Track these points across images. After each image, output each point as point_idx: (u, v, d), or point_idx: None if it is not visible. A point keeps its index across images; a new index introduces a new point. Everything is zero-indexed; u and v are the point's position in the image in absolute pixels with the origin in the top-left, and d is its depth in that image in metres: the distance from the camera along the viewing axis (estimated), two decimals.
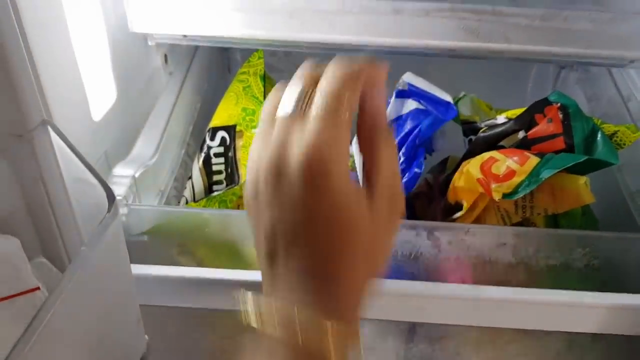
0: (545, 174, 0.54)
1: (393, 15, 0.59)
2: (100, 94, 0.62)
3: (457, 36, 0.59)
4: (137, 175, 0.59)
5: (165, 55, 0.76)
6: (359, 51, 0.64)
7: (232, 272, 0.55)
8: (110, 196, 0.36)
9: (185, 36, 0.65)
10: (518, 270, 0.58)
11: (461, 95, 0.74)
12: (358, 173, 0.72)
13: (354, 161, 0.76)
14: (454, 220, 0.65)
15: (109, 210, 0.36)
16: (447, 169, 0.77)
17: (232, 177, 0.73)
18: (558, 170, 0.54)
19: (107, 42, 0.62)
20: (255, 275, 0.55)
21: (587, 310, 0.55)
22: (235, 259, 0.59)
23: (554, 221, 0.64)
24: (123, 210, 0.56)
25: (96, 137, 0.62)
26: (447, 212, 0.66)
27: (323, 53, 0.91)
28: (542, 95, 0.93)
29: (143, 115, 0.69)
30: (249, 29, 0.61)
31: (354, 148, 0.77)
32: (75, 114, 0.57)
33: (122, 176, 0.58)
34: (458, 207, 0.64)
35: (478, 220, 0.64)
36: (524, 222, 0.63)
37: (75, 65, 0.56)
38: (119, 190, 0.57)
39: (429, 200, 0.75)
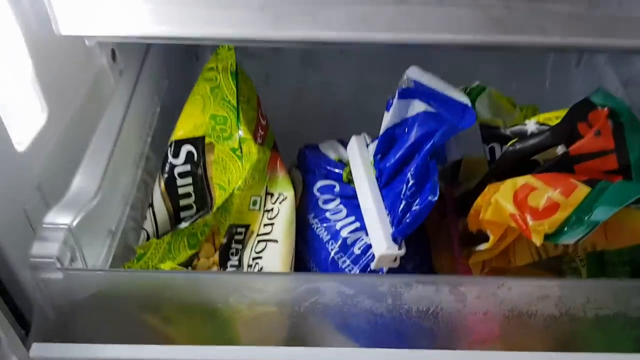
0: (601, 215, 0.42)
1: (396, 5, 0.45)
2: (24, 117, 0.49)
3: (480, 28, 0.46)
4: (74, 223, 0.46)
5: (113, 52, 0.62)
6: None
7: (201, 350, 0.43)
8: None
9: (133, 37, 0.51)
10: (561, 323, 0.47)
11: (474, 85, 0.60)
12: (355, 184, 0.61)
13: (349, 171, 0.64)
14: (474, 251, 0.53)
15: None
16: (460, 176, 0.65)
17: (203, 200, 0.60)
18: (617, 209, 0.42)
19: (27, 50, 0.48)
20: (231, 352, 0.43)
21: None
22: (209, 319, 0.47)
23: (597, 252, 0.52)
24: (57, 275, 0.44)
25: (23, 171, 0.49)
26: (467, 240, 0.55)
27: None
28: (565, 76, 0.82)
29: (88, 132, 0.56)
30: (210, 27, 0.47)
31: (349, 152, 0.65)
32: None
33: (55, 227, 0.45)
34: (481, 236, 0.52)
35: (505, 252, 0.52)
36: (562, 255, 0.52)
37: None
38: (50, 249, 0.44)
39: (440, 213, 0.63)
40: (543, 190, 0.45)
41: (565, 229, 0.43)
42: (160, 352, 0.43)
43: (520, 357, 0.45)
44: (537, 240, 0.43)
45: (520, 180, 0.47)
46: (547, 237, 0.44)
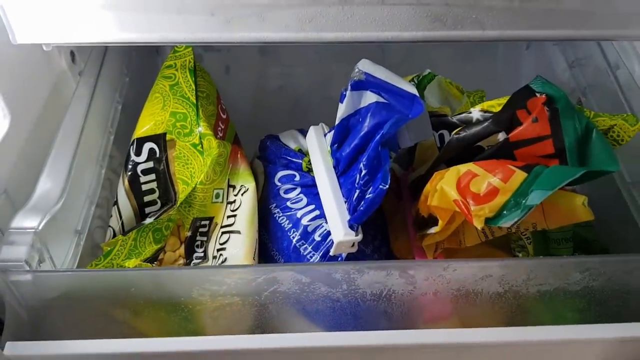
0: (536, 199, 0.45)
1: (340, 6, 0.47)
2: None
3: (421, 25, 0.48)
4: (40, 227, 0.48)
5: (72, 53, 0.63)
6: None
7: (169, 341, 0.45)
8: None
9: (88, 43, 0.52)
10: (506, 299, 0.50)
11: (426, 72, 0.63)
12: (314, 173, 0.63)
13: (309, 161, 0.66)
14: (427, 234, 0.56)
15: None
16: (415, 160, 0.68)
17: (167, 195, 0.62)
18: (551, 192, 0.45)
19: None
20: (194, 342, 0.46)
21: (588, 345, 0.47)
22: (174, 312, 0.49)
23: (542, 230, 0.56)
24: (26, 277, 0.46)
25: None
26: (420, 224, 0.57)
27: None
28: (516, 59, 0.85)
29: (51, 134, 0.57)
30: (162, 32, 0.49)
31: (308, 142, 0.67)
32: None
33: (22, 231, 0.47)
34: (432, 220, 0.55)
35: (455, 234, 0.55)
36: (509, 235, 0.55)
37: None
38: (18, 253, 0.46)
39: (397, 196, 0.66)
40: (484, 177, 0.48)
41: (505, 212, 0.47)
42: (129, 346, 0.45)
43: (469, 333, 0.48)
44: (478, 224, 0.46)
45: (463, 168, 0.50)
46: (487, 220, 0.47)
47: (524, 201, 0.46)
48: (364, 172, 0.54)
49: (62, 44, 0.51)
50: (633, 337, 0.47)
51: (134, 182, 0.60)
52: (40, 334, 0.48)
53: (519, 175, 0.47)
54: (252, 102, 0.84)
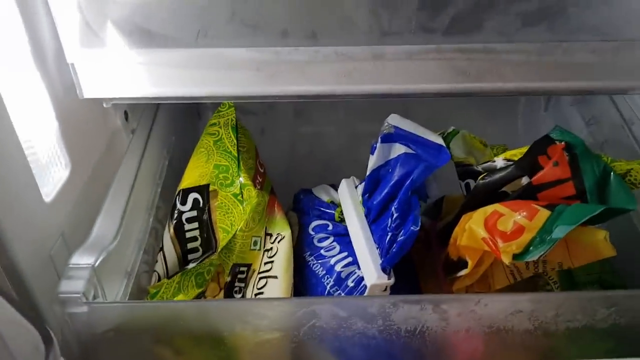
0: (559, 233, 0.47)
1: (373, 61, 0.52)
2: (50, 171, 0.55)
3: (446, 78, 0.53)
4: (97, 264, 0.51)
5: (126, 113, 0.69)
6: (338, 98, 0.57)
7: None
8: (48, 339, 0.29)
9: (145, 97, 0.58)
10: (536, 336, 0.52)
11: (450, 130, 0.67)
12: (347, 222, 0.66)
13: (341, 211, 0.70)
14: (457, 278, 0.59)
15: (46, 358, 0.29)
16: (443, 212, 0.71)
17: (208, 242, 0.66)
18: (573, 226, 0.47)
19: (54, 112, 0.54)
20: None
21: None
22: (217, 348, 0.52)
23: (568, 270, 0.58)
24: (82, 309, 0.49)
25: (49, 220, 0.55)
26: (450, 268, 0.60)
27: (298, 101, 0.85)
28: (535, 120, 0.89)
29: (105, 184, 0.62)
30: (213, 87, 0.54)
31: (340, 193, 0.71)
32: (20, 199, 0.50)
33: (80, 267, 0.51)
34: (461, 263, 0.58)
35: (485, 277, 0.58)
36: (536, 276, 0.57)
37: (18, 145, 0.49)
38: (76, 286, 0.49)
39: (427, 247, 0.69)
40: (509, 216, 0.51)
41: (531, 248, 0.49)
42: None
43: None
44: (507, 259, 0.49)
45: (490, 209, 0.53)
46: (515, 256, 0.49)
47: (548, 237, 0.48)
48: (395, 215, 0.58)
49: (122, 98, 0.57)
50: None
51: (179, 230, 0.64)
52: None
53: (543, 214, 0.50)
54: (285, 161, 0.89)
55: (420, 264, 0.69)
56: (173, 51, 0.52)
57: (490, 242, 0.51)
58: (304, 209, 0.71)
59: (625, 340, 0.52)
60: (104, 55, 0.53)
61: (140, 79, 0.54)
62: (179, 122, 0.79)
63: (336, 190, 0.71)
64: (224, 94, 0.55)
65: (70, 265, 0.51)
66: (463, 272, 0.57)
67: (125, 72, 0.54)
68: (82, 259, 0.52)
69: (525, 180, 0.55)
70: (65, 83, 0.55)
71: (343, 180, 0.70)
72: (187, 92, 0.55)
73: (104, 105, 0.59)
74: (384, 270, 0.58)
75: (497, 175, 0.57)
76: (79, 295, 0.49)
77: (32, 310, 0.51)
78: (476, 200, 0.58)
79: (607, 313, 0.50)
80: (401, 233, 0.57)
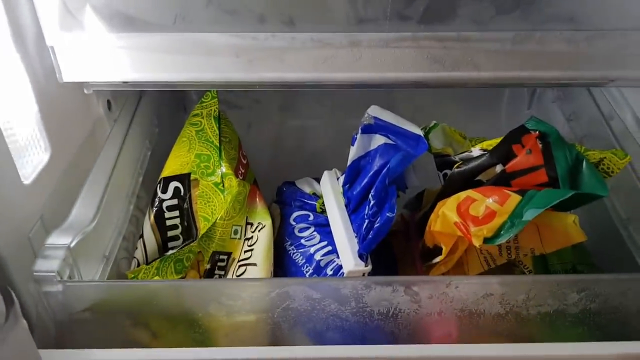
0: (529, 215, 0.48)
1: (350, 48, 0.53)
2: (29, 153, 0.56)
3: (422, 66, 0.54)
4: (72, 244, 0.52)
5: (109, 102, 0.69)
6: (316, 87, 0.58)
7: (186, 352, 0.48)
8: (9, 301, 0.30)
9: (125, 82, 0.58)
10: (508, 320, 0.52)
11: (432, 124, 0.68)
12: (327, 212, 0.67)
13: (322, 202, 0.70)
14: (433, 265, 0.59)
15: (6, 319, 0.29)
16: (423, 204, 0.71)
17: (188, 231, 0.66)
18: (543, 209, 0.48)
19: (34, 96, 0.55)
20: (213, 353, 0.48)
21: None
22: (193, 330, 0.52)
23: (542, 258, 0.58)
24: (57, 288, 0.49)
25: (28, 202, 0.55)
26: (426, 255, 0.61)
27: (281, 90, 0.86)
28: (518, 117, 0.90)
29: (86, 171, 0.62)
30: (193, 72, 0.55)
31: (322, 184, 0.71)
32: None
33: (55, 247, 0.51)
34: (437, 250, 0.58)
35: (459, 264, 0.58)
36: (510, 262, 0.58)
37: None
38: (51, 265, 0.50)
39: (407, 239, 0.70)
40: (482, 201, 0.52)
41: (502, 232, 0.50)
42: (149, 355, 0.48)
43: (469, 348, 0.50)
44: (477, 243, 0.50)
45: (463, 194, 0.53)
46: (485, 240, 0.50)
47: (518, 221, 0.49)
48: (372, 202, 0.58)
49: (99, 84, 0.57)
50: (635, 353, 0.48)
51: (159, 218, 0.65)
52: (65, 344, 0.51)
53: (514, 199, 0.50)
54: (271, 155, 0.89)
55: (401, 255, 0.69)
56: (152, 36, 0.53)
57: (462, 227, 0.51)
58: (286, 201, 0.72)
59: (596, 325, 0.52)
60: (84, 39, 0.54)
61: (120, 64, 0.55)
62: (164, 115, 0.79)
63: (319, 183, 0.72)
64: (204, 79, 0.55)
65: (46, 245, 0.52)
66: (438, 259, 0.57)
67: (105, 56, 0.55)
68: (59, 239, 0.52)
69: (499, 168, 0.56)
70: (45, 67, 0.55)
71: (325, 172, 0.70)
72: (166, 77, 0.55)
73: (85, 91, 0.60)
74: (360, 257, 0.59)
75: (472, 164, 0.57)
76: (53, 274, 0.49)
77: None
78: (451, 188, 0.59)
79: (578, 298, 0.50)
80: (377, 220, 0.58)
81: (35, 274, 0.49)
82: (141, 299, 0.51)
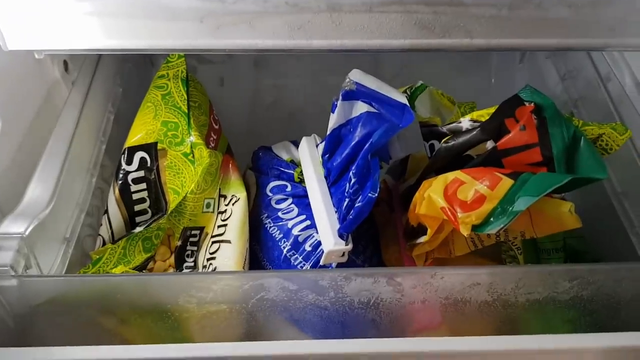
0: (521, 205, 0.44)
1: (328, 13, 0.47)
2: None
3: (409, 33, 0.48)
4: (27, 232, 0.47)
5: (66, 63, 0.63)
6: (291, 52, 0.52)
7: (152, 348, 0.45)
8: None
9: (78, 49, 0.52)
10: (495, 308, 0.50)
11: (418, 84, 0.63)
12: (306, 183, 0.63)
13: (300, 171, 0.66)
14: (417, 244, 0.56)
15: None
16: (408, 171, 0.68)
17: (157, 204, 0.62)
18: (536, 198, 0.44)
19: None
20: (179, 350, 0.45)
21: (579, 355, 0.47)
22: (162, 320, 0.49)
23: (532, 240, 0.55)
24: (11, 283, 0.45)
25: None
26: (410, 234, 0.57)
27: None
28: (509, 71, 0.85)
29: (43, 143, 0.57)
30: (154, 39, 0.49)
31: (300, 152, 0.67)
32: None
33: (8, 237, 0.47)
34: (422, 229, 0.55)
35: (445, 244, 0.55)
36: (498, 243, 0.55)
37: None
38: (4, 258, 0.46)
39: (390, 208, 0.66)
40: (471, 184, 0.48)
41: (492, 219, 0.46)
42: (115, 352, 0.45)
43: (456, 342, 0.47)
44: (465, 231, 0.46)
45: (451, 176, 0.49)
46: (474, 227, 0.46)
47: (510, 208, 0.46)
48: (353, 180, 0.54)
49: (51, 51, 0.51)
50: (623, 346, 0.46)
51: (125, 191, 0.60)
52: (26, 341, 0.47)
53: (506, 183, 0.47)
54: (246, 113, 0.84)
55: (382, 224, 0.66)
56: None
57: (449, 212, 0.48)
58: (262, 169, 0.68)
59: (587, 311, 0.50)
60: (31, 2, 0.47)
61: (73, 30, 0.49)
62: (128, 72, 0.73)
63: (297, 148, 0.67)
64: (166, 46, 0.49)
65: None
66: (422, 239, 0.54)
67: (55, 22, 0.48)
68: (11, 228, 0.48)
69: (490, 144, 0.52)
70: None
71: (303, 139, 0.66)
72: (124, 44, 0.50)
73: (36, 56, 0.54)
74: (341, 236, 0.55)
75: (461, 139, 0.53)
76: (6, 268, 0.45)
77: None
78: (439, 163, 0.55)
79: (569, 286, 0.48)
80: (359, 199, 0.54)
81: None
82: (103, 291, 0.47)
